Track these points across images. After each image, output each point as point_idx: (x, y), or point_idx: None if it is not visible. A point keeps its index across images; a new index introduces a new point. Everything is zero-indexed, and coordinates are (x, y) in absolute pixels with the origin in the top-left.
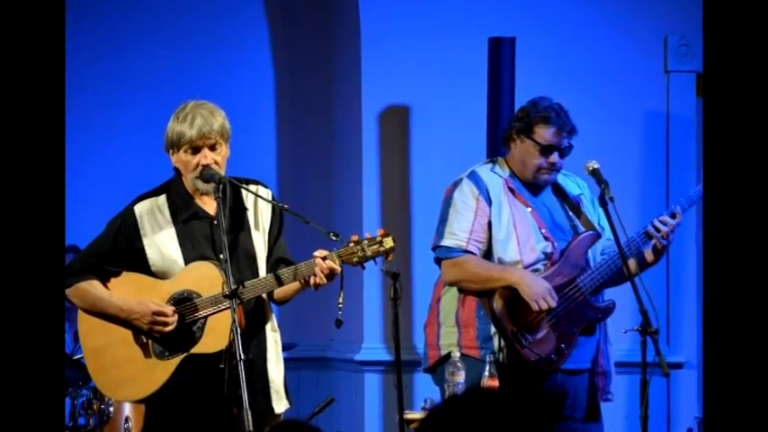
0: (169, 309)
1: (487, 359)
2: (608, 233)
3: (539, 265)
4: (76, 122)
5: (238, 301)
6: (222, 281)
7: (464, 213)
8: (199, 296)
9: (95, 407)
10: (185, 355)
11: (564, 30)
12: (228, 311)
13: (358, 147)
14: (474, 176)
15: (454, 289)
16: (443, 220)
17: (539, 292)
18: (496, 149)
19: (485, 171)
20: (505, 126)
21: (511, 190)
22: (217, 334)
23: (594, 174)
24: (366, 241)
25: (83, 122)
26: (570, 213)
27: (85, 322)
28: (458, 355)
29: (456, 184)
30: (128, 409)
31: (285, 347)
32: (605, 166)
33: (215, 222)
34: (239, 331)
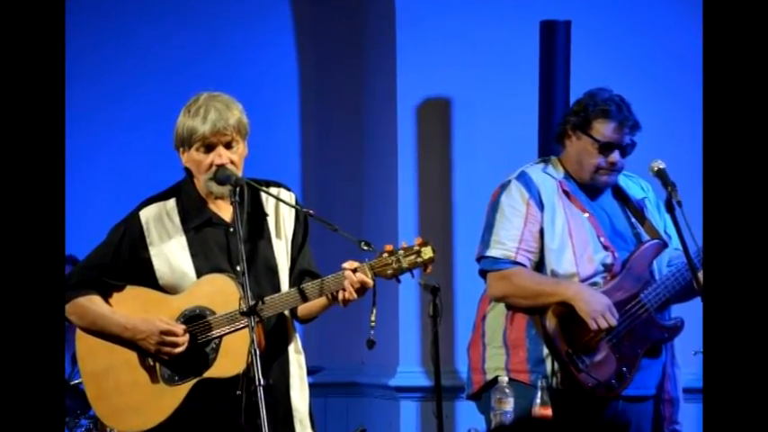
0: (179, 327)
1: (539, 384)
2: (675, 242)
3: (597, 278)
4: (74, 117)
5: (257, 319)
6: (239, 296)
7: (513, 220)
8: (213, 313)
9: None
10: (197, 379)
11: (625, 12)
12: (246, 331)
13: (393, 145)
14: (524, 178)
15: (501, 305)
16: (489, 228)
17: (597, 308)
18: (549, 147)
19: (536, 172)
20: (560, 121)
21: (566, 193)
22: (233, 356)
23: (660, 175)
24: (402, 251)
25: (81, 117)
26: (633, 219)
27: (84, 343)
28: (506, 379)
29: (503, 186)
30: None
31: (310, 371)
32: (672, 166)
33: (231, 230)
34: (258, 353)
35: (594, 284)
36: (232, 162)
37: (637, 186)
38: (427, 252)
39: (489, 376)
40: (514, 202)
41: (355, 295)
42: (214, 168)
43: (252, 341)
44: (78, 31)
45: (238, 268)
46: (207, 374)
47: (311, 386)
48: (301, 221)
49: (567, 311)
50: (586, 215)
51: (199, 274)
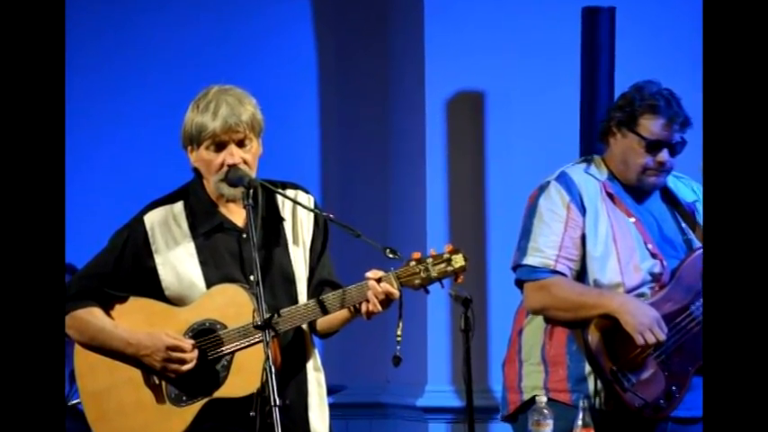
0: (187, 343)
1: (581, 405)
2: None
3: (644, 289)
4: (72, 113)
5: (273, 334)
6: (253, 308)
7: (552, 225)
8: (224, 327)
9: None
10: (207, 399)
11: None
12: (260, 346)
13: (420, 142)
14: (564, 179)
15: (539, 319)
16: (526, 234)
17: (644, 321)
18: (592, 146)
19: (577, 172)
20: (603, 117)
21: (610, 196)
22: (246, 374)
23: None
24: (430, 259)
25: (80, 113)
26: (683, 225)
27: (84, 360)
28: (544, 399)
29: (542, 188)
30: None
31: (331, 391)
32: None
33: (244, 236)
34: (274, 371)
35: (641, 295)
36: (245, 162)
37: (687, 188)
38: (458, 260)
39: (526, 396)
40: (554, 205)
41: (380, 307)
42: (225, 169)
43: (267, 357)
44: (77, 19)
45: (252, 278)
46: (217, 394)
47: (332, 407)
48: (321, 227)
49: (611, 325)
50: (632, 220)
51: (209, 284)
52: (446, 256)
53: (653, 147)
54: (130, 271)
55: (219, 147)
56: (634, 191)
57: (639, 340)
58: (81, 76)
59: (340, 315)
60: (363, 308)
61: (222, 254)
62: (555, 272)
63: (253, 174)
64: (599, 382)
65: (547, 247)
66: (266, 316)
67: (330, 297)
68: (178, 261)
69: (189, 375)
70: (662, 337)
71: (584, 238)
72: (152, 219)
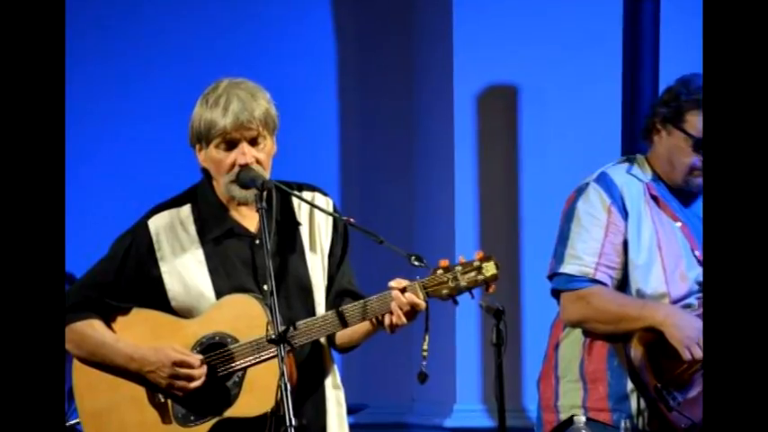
0: (195, 358)
1: (622, 425)
2: None
3: (691, 300)
4: (72, 109)
5: (288, 348)
6: (266, 320)
7: (591, 230)
8: (235, 341)
9: None
10: (217, 419)
11: None
12: (275, 361)
13: (449, 141)
14: (604, 180)
15: (578, 332)
16: (563, 240)
17: (691, 335)
18: (635, 144)
19: (619, 173)
20: (647, 113)
21: (654, 198)
22: (259, 392)
23: None
24: (459, 267)
25: (80, 110)
26: None
27: (83, 376)
28: (583, 419)
29: (580, 190)
30: None
31: (351, 410)
32: None
33: (257, 242)
34: (289, 388)
35: (688, 306)
36: (258, 161)
37: None
38: (489, 268)
39: (563, 415)
40: (593, 209)
41: (404, 319)
42: (237, 169)
43: (282, 374)
44: (77, 8)
45: (265, 287)
46: (228, 413)
47: (352, 427)
48: (340, 232)
49: (655, 339)
50: (678, 224)
51: (219, 294)
52: (476, 263)
53: (701, 145)
54: (134, 280)
55: (230, 145)
56: (680, 193)
57: (686, 355)
58: (81, 69)
59: (361, 328)
60: (386, 320)
61: (233, 261)
62: (594, 281)
63: (266, 174)
64: (642, 401)
65: (586, 255)
66: (281, 329)
67: (350, 308)
68: (185, 269)
69: (197, 393)
70: None
71: (626, 244)
72: (157, 223)
